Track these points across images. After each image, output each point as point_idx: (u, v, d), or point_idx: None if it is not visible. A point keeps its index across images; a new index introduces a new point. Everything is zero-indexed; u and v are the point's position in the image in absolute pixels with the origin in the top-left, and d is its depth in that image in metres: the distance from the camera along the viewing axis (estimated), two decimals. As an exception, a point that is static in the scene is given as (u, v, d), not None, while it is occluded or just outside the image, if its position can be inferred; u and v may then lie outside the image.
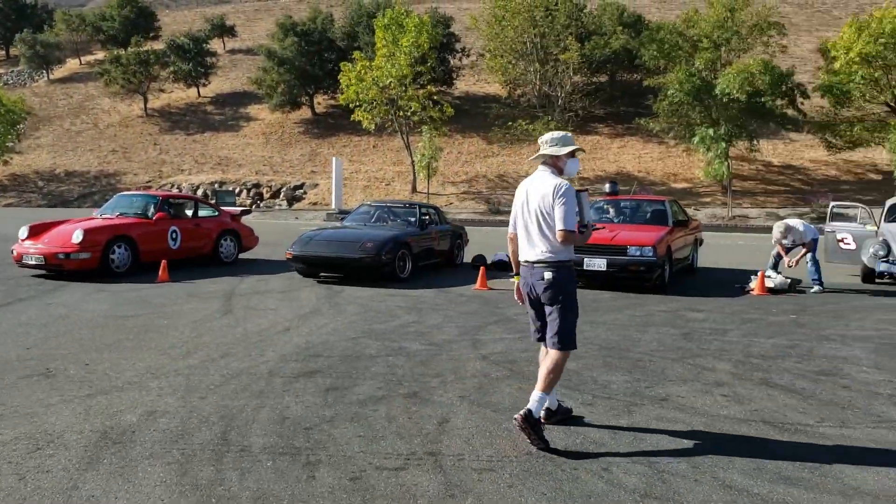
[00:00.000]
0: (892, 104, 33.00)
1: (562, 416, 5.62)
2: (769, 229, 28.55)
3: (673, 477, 4.59)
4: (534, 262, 5.23)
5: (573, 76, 39.70)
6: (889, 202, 14.98)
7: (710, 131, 30.93)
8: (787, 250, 13.12)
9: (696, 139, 31.39)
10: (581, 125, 41.89)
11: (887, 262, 13.33)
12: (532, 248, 5.24)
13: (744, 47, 35.21)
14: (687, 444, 5.18)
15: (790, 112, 33.79)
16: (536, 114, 39.26)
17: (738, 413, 5.89)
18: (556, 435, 5.28)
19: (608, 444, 5.15)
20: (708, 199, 34.99)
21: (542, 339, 5.41)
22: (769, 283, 12.68)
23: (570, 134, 5.50)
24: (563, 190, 5.10)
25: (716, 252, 19.46)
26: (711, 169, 31.49)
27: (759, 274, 12.81)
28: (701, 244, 16.31)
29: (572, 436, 5.30)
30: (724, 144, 31.19)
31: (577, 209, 5.14)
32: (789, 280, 12.96)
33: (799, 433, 5.44)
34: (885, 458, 4.97)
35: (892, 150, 30.30)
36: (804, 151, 39.46)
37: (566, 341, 5.20)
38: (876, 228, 14.35)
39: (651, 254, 12.17)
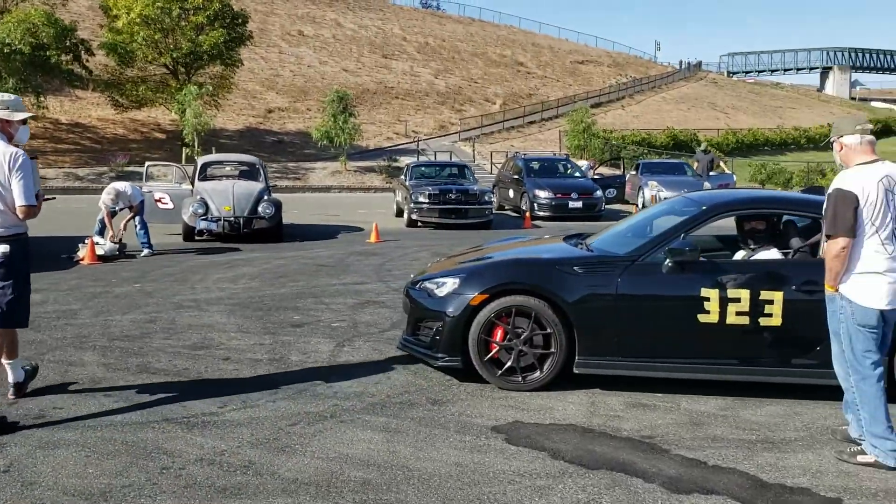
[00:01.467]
0: (171, 67, 33.85)
1: None
2: (72, 190, 26.74)
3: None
4: None
5: None
6: (201, 161, 15.15)
7: (-5, 84, 27.22)
8: (112, 214, 12.10)
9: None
10: None
11: (206, 219, 13.44)
12: None
13: (21, -5, 31.78)
14: (90, 479, 4.03)
15: (76, 69, 31.93)
16: None
17: (137, 417, 4.91)
18: None
19: (-10, 504, 3.69)
20: (-7, 158, 31.04)
21: None
22: (99, 251, 11.55)
23: (20, 99, 5.07)
24: (20, 161, 4.68)
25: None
26: None
27: (87, 241, 11.55)
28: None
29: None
30: (10, 99, 27.78)
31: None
32: (118, 244, 12.02)
33: (209, 426, 4.76)
34: (273, 434, 4.66)
35: (177, 111, 31.16)
36: (91, 109, 37.95)
37: (22, 317, 4.92)
38: (191, 187, 14.33)
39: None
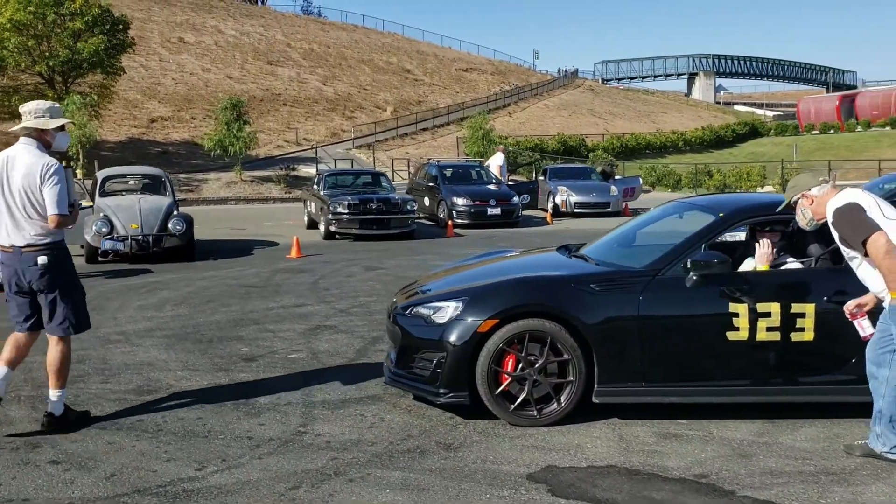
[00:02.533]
0: (46, 76, 31.30)
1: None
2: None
3: None
4: (22, 248, 4.63)
5: None
6: (100, 175, 13.75)
7: None
8: None
9: None
10: None
11: (111, 238, 12.12)
12: (18, 233, 4.63)
13: None
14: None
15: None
16: None
17: (100, 490, 3.94)
18: None
19: None
20: None
21: (34, 326, 4.80)
22: (-7, 279, 10.09)
23: (57, 104, 4.89)
24: (53, 170, 4.58)
25: None
26: None
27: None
28: None
29: None
30: None
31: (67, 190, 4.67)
32: None
33: (194, 497, 3.87)
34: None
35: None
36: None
37: (81, 321, 4.82)
38: (92, 204, 12.91)
39: None
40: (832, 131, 57.56)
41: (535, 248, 7.09)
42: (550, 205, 21.13)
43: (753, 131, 61.36)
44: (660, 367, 4.87)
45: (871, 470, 4.21)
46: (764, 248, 5.07)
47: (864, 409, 4.74)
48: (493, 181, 19.88)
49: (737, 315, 4.80)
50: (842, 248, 4.36)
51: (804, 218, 4.51)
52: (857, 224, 4.11)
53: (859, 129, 56.74)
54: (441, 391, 4.93)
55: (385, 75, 61.14)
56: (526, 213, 20.49)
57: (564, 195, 20.92)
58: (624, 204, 21.96)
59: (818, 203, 4.39)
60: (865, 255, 4.13)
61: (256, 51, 57.74)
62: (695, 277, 4.84)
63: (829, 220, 4.30)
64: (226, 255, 13.67)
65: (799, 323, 4.80)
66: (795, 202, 4.52)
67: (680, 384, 4.90)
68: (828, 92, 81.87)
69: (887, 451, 4.29)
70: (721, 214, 5.16)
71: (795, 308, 4.80)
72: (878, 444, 4.33)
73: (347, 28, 75.19)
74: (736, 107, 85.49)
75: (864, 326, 4.40)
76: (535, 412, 4.88)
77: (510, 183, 21.33)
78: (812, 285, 4.88)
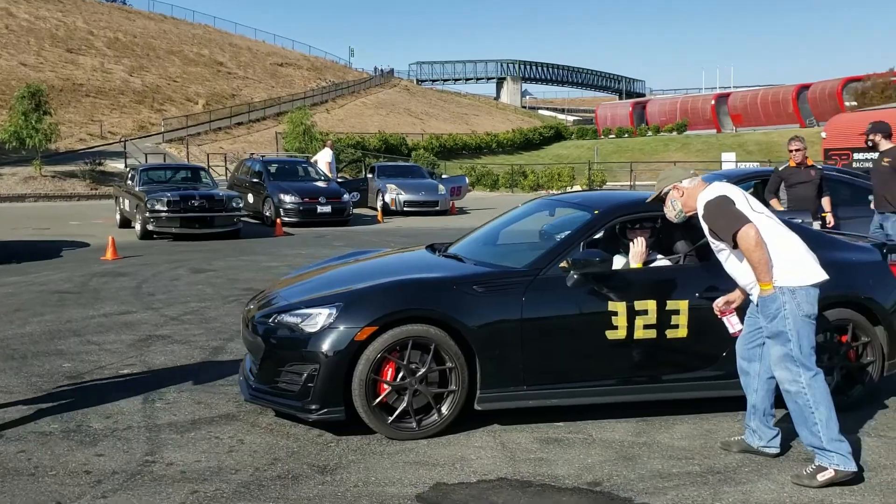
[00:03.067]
0: None
1: None
2: None
3: None
4: None
5: None
6: None
7: None
8: None
9: None
10: None
11: None
12: None
13: None
14: None
15: None
16: None
17: None
18: None
19: None
20: None
21: None
22: None
23: None
24: None
25: None
26: None
27: None
28: None
29: None
30: None
31: None
32: None
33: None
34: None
35: None
36: None
37: None
38: None
39: None
40: (627, 135, 61.60)
41: (400, 247, 6.68)
42: (380, 203, 20.75)
43: (558, 134, 64.41)
44: (541, 370, 4.63)
45: (753, 466, 4.19)
46: (638, 245, 4.97)
47: (729, 403, 4.80)
48: (322, 178, 19.19)
49: (616, 314, 4.66)
50: (711, 241, 4.28)
51: (673, 209, 4.39)
52: (728, 216, 4.03)
53: (650, 133, 61.14)
54: (313, 407, 4.40)
55: (196, 67, 58.11)
56: (356, 211, 19.99)
57: (394, 193, 20.64)
58: (451, 203, 22.02)
59: (688, 195, 4.30)
60: (735, 247, 4.07)
61: (54, 37, 52.80)
62: (576, 276, 4.64)
63: (700, 212, 4.21)
64: (30, 257, 12.07)
65: (674, 320, 4.73)
66: (666, 193, 4.40)
67: (561, 386, 4.69)
68: (620, 99, 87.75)
69: (764, 446, 4.30)
70: (596, 211, 5.01)
71: (670, 305, 4.73)
72: (755, 439, 4.33)
73: (155, 17, 70.71)
74: (540, 111, 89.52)
75: (732, 323, 4.37)
76: (414, 424, 4.48)
77: (339, 180, 20.74)
78: (685, 282, 4.83)
